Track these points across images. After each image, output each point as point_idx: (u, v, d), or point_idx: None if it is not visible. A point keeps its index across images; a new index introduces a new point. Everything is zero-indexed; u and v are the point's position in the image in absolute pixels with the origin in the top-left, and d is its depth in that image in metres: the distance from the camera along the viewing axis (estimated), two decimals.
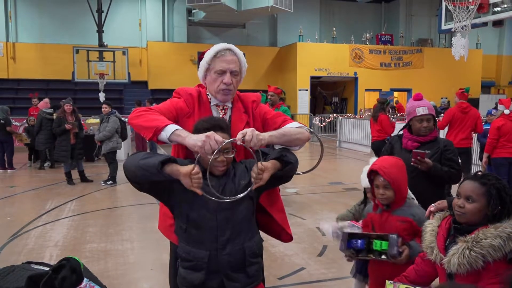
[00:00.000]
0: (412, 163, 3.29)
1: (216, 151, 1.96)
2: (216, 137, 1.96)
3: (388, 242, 2.45)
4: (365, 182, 3.07)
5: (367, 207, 2.85)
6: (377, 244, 2.48)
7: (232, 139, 2.07)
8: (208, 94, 2.41)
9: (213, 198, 2.01)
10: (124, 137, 9.36)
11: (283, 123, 2.37)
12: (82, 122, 10.12)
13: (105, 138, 8.83)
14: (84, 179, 9.26)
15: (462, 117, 7.41)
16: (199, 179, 1.96)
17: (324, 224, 3.01)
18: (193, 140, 1.97)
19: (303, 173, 2.68)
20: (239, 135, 2.03)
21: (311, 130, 2.42)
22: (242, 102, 2.46)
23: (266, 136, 2.13)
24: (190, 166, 1.96)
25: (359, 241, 2.54)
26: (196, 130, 2.15)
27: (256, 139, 2.04)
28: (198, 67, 2.44)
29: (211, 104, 2.39)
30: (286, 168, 2.19)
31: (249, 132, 2.04)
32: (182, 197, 2.10)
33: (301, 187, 8.54)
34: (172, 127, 2.05)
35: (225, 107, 2.40)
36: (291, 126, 2.34)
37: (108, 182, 9.03)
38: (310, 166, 2.68)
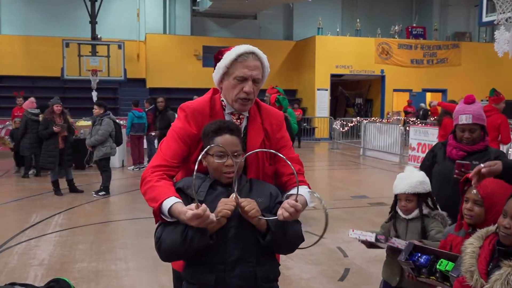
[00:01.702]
0: (455, 175, 3.23)
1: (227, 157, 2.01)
2: (196, 212, 1.94)
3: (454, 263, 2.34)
4: (399, 188, 3.05)
5: (449, 228, 2.75)
6: (443, 264, 2.40)
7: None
8: (222, 101, 2.40)
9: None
10: (118, 142, 9.40)
11: (297, 175, 2.31)
12: (72, 124, 10.19)
13: (97, 143, 8.88)
14: (73, 189, 9.32)
15: None
16: (207, 219, 1.96)
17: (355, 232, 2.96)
18: (186, 220, 1.99)
19: (306, 247, 2.63)
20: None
21: (320, 199, 2.40)
22: (259, 114, 2.46)
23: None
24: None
25: (424, 256, 2.47)
26: (205, 135, 2.21)
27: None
28: (214, 68, 2.42)
29: (226, 112, 2.39)
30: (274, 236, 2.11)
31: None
32: None
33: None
34: (167, 203, 2.07)
35: (241, 116, 2.40)
36: (305, 194, 2.30)
37: (100, 193, 9.08)
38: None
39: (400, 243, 2.79)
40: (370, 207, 8.26)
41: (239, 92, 2.29)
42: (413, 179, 3.04)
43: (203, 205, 1.96)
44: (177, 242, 2.04)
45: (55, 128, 8.92)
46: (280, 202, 2.18)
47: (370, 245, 2.99)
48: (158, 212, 2.09)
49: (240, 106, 2.33)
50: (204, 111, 2.35)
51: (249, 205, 2.06)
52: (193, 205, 1.96)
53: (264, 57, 2.36)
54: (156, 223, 2.17)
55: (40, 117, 9.81)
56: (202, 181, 2.19)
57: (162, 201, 2.08)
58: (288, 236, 2.15)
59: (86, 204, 8.49)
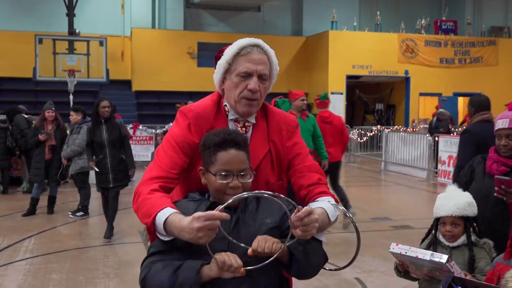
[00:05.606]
0: (495, 194, 3.25)
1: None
2: (208, 215, 1.90)
3: None
4: (444, 210, 3.03)
5: (497, 257, 2.74)
6: None
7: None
8: (225, 105, 2.40)
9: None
10: None
11: (317, 185, 2.33)
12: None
13: (74, 155, 8.87)
14: (51, 208, 9.25)
15: (324, 127, 8.20)
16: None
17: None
18: (188, 235, 1.94)
19: (336, 269, 2.61)
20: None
21: (346, 213, 2.42)
22: (266, 121, 2.44)
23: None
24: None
25: None
26: (205, 147, 2.16)
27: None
28: (215, 68, 2.42)
29: (229, 118, 2.38)
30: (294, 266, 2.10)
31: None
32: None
33: (335, 224, 8.50)
34: (162, 216, 2.03)
35: (246, 124, 2.38)
36: (327, 206, 2.27)
37: (78, 214, 9.06)
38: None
39: (457, 270, 2.70)
40: (394, 231, 8.23)
41: (243, 90, 2.29)
42: (461, 199, 3.05)
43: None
44: (164, 286, 1.98)
45: (40, 136, 8.94)
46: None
47: (405, 272, 2.96)
48: (153, 229, 2.05)
49: (244, 108, 2.31)
50: (209, 116, 2.34)
51: (262, 245, 1.99)
52: (218, 212, 1.91)
53: (271, 51, 2.38)
54: (151, 243, 2.13)
55: (7, 125, 9.82)
56: (197, 205, 2.12)
57: (156, 214, 2.03)
58: (312, 260, 2.12)
59: (61, 226, 8.47)
